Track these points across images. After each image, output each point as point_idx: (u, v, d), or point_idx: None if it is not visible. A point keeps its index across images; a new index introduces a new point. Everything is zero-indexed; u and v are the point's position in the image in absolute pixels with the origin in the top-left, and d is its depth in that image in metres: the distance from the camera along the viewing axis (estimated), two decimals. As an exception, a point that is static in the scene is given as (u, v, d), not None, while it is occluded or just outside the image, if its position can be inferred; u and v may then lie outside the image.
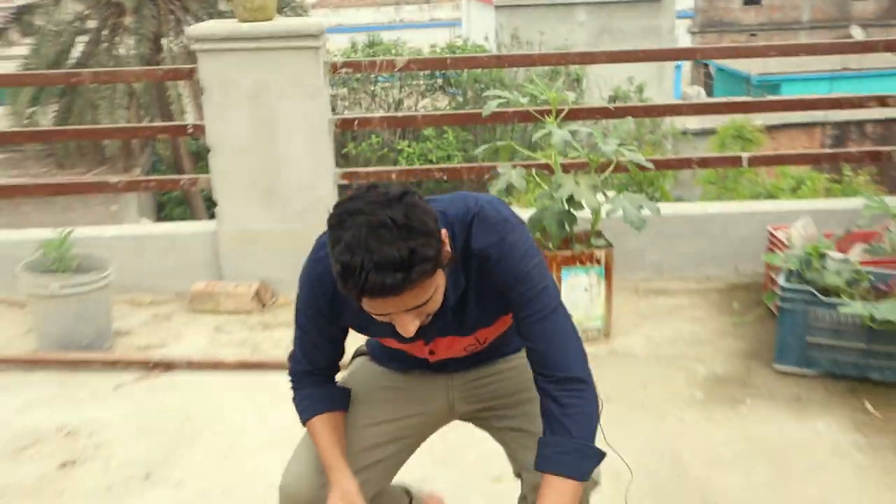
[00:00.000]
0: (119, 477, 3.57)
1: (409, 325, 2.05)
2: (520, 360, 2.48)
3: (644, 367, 4.36)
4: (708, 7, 32.58)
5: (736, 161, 5.28)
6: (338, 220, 1.95)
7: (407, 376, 2.58)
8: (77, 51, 17.70)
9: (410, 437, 2.58)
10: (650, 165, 4.71)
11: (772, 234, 4.81)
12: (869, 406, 3.92)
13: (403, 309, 2.03)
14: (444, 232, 2.04)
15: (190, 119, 15.40)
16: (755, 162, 5.26)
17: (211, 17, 16.97)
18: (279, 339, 4.69)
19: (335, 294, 2.17)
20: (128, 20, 17.20)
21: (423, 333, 2.24)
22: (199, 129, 5.15)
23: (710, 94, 28.37)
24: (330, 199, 5.11)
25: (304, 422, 2.44)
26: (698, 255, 5.07)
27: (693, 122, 20.14)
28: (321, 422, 2.40)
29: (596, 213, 4.34)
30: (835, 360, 4.11)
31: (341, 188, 5.22)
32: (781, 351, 4.20)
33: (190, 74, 5.07)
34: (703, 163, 5.29)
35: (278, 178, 5.08)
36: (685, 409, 3.94)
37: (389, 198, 1.95)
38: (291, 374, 2.52)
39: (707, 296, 5.00)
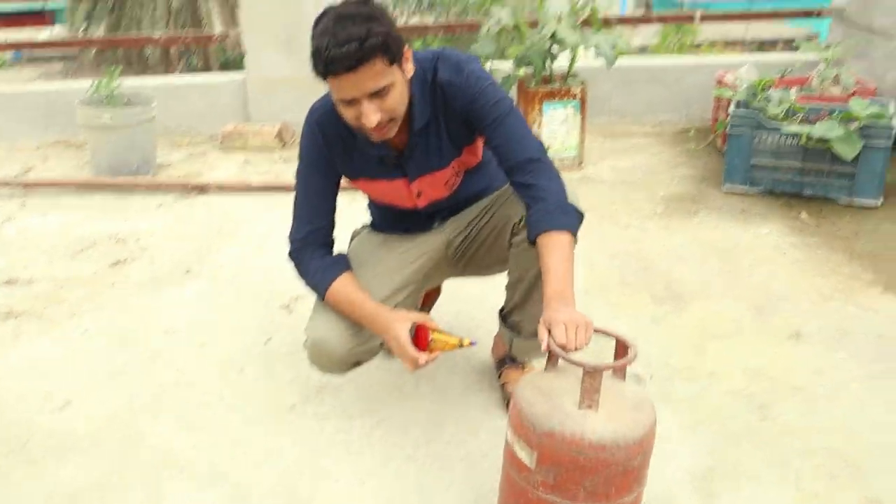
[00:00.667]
0: (163, 272, 3.36)
1: (371, 115, 1.91)
2: (490, 197, 2.36)
3: (612, 189, 4.12)
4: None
5: (689, 18, 4.93)
6: (318, 16, 1.91)
7: (405, 235, 2.40)
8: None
9: (419, 281, 2.38)
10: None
11: (719, 79, 4.50)
12: (804, 215, 3.72)
13: (364, 92, 1.89)
14: (407, 51, 1.97)
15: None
16: (706, 18, 4.91)
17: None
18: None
19: (328, 139, 2.16)
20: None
21: (406, 170, 2.20)
22: (223, 38, 4.77)
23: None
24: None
25: (324, 292, 2.18)
26: (655, 101, 4.78)
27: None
28: (342, 283, 2.18)
29: (574, 48, 4.01)
30: (775, 179, 3.89)
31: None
32: (729, 172, 3.96)
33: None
34: (662, 18, 4.92)
35: (298, 26, 4.67)
36: (647, 220, 3.75)
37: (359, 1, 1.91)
38: (292, 251, 2.27)
39: (663, 136, 4.74)
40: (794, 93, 4.10)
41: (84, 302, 3.12)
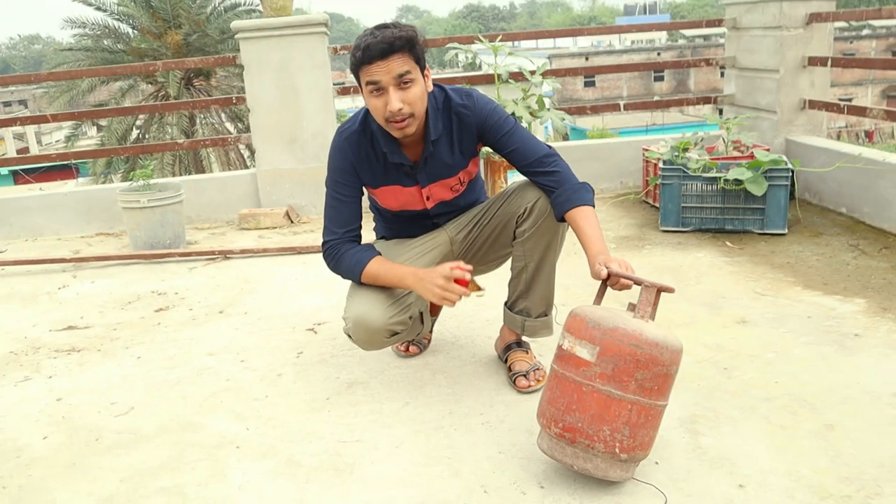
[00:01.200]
0: (200, 313, 3.26)
1: (395, 101, 1.97)
2: (486, 202, 2.40)
3: (570, 234, 4.12)
4: (563, 89, 33.54)
5: (616, 107, 5.09)
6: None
7: (415, 236, 2.41)
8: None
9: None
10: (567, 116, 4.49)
11: (645, 150, 4.63)
12: (728, 243, 3.77)
13: (391, 76, 1.96)
14: (427, 69, 2.08)
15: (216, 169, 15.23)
16: (629, 107, 5.08)
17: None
18: (305, 238, 4.38)
19: (356, 153, 2.18)
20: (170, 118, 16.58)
21: (419, 179, 2.23)
22: (241, 100, 4.82)
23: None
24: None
25: (361, 272, 2.17)
26: (595, 174, 4.85)
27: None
28: (377, 261, 2.19)
29: (529, 124, 4.10)
30: (701, 218, 3.95)
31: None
32: (664, 216, 4.02)
33: (233, 60, 4.74)
34: (595, 108, 5.06)
35: (299, 129, 4.77)
36: (603, 254, 3.74)
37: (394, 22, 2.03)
38: (328, 250, 2.25)
39: (605, 200, 4.81)
40: (706, 154, 4.23)
41: (135, 338, 3.01)
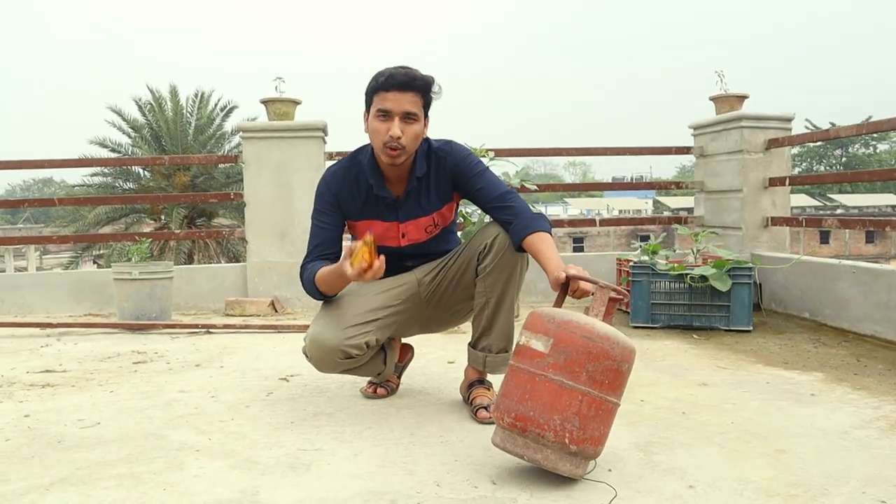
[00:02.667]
0: (177, 366, 3.27)
1: (396, 129, 2.17)
2: (455, 249, 2.49)
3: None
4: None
5: (592, 222, 5.32)
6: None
7: (385, 277, 2.48)
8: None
9: (396, 306, 2.42)
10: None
11: (618, 260, 4.79)
12: (695, 336, 3.85)
13: (401, 109, 2.16)
14: (427, 119, 2.28)
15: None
16: (603, 223, 5.31)
17: (220, 244, 17.34)
18: (289, 324, 4.42)
19: (341, 185, 2.34)
20: (172, 243, 17.02)
21: (398, 215, 2.37)
22: (238, 196, 5.04)
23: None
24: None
25: (312, 280, 2.30)
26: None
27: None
28: (322, 267, 2.30)
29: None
30: (670, 315, 4.04)
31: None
32: (634, 312, 4.12)
33: (235, 159, 5.00)
34: (572, 223, 5.27)
35: (291, 225, 4.95)
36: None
37: None
38: (302, 268, 2.37)
39: (579, 309, 4.90)
40: (676, 255, 4.40)
41: (110, 380, 3.00)
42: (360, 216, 2.38)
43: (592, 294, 1.94)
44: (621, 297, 1.96)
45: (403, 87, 2.15)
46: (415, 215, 2.38)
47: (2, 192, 72.41)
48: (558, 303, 2.01)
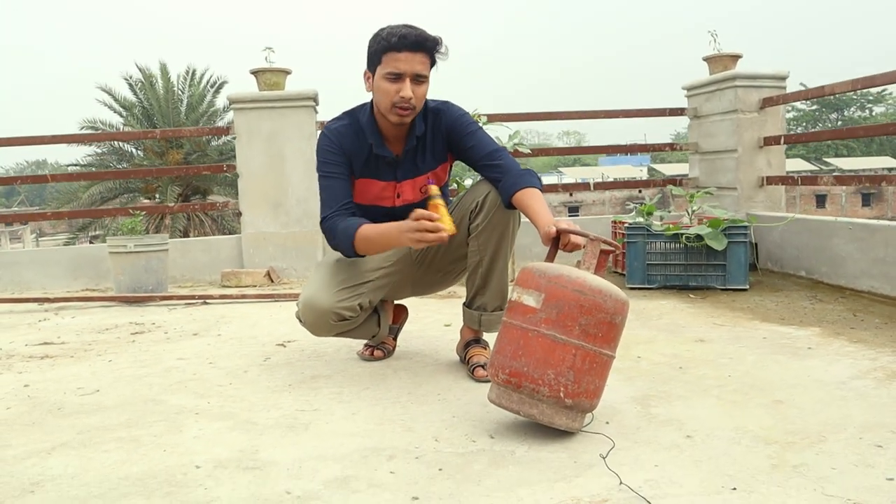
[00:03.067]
0: (174, 335, 3.27)
1: (408, 90, 2.15)
2: None
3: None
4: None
5: (587, 186, 5.30)
6: (381, 27, 2.21)
7: None
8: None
9: (387, 268, 2.42)
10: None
11: (613, 223, 4.78)
12: (692, 295, 3.85)
13: (413, 70, 2.15)
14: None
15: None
16: (598, 186, 5.29)
17: (216, 220, 17.29)
18: (285, 293, 4.41)
19: (349, 142, 2.29)
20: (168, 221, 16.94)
21: (396, 174, 2.35)
22: (231, 167, 5.01)
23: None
24: (318, 209, 4.95)
25: (353, 237, 2.19)
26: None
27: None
28: (366, 226, 2.20)
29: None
30: (666, 276, 4.04)
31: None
32: (630, 274, 4.11)
33: (227, 130, 4.96)
34: (566, 187, 5.26)
35: (284, 195, 4.92)
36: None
37: None
38: (325, 226, 2.29)
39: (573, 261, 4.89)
40: (671, 216, 4.38)
41: (108, 349, 3.00)
42: (360, 174, 2.35)
43: (584, 247, 1.93)
44: (613, 248, 1.95)
45: (415, 47, 2.13)
46: (412, 175, 2.37)
47: (-5, 175, 71.64)
48: (550, 258, 2.00)
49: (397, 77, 2.15)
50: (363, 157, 2.32)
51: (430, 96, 2.34)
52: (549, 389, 1.76)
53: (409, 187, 2.38)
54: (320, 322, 2.25)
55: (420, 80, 2.17)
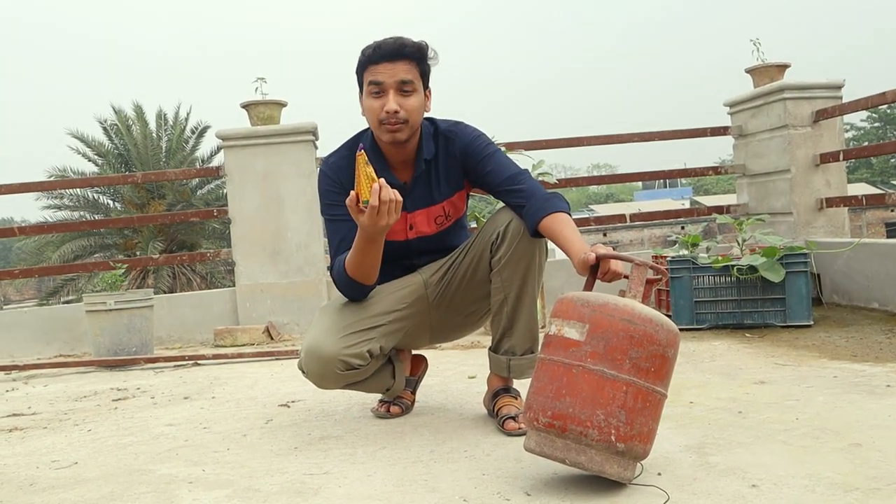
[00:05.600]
0: (162, 400, 3.28)
1: (393, 103, 2.19)
2: (463, 244, 2.48)
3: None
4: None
5: (622, 218, 5.33)
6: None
7: (388, 280, 2.48)
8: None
9: (401, 310, 2.42)
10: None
11: (654, 257, 4.78)
12: (747, 334, 3.83)
13: (395, 79, 2.19)
14: (429, 91, 2.33)
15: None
16: (635, 217, 5.32)
17: (204, 278, 17.48)
18: (288, 350, 4.43)
19: (346, 173, 2.28)
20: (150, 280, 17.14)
21: (406, 204, 2.34)
22: (222, 212, 5.08)
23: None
24: (321, 256, 5.02)
25: (342, 268, 2.26)
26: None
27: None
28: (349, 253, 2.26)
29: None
30: (717, 314, 4.03)
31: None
32: (676, 313, 4.10)
33: (217, 171, 5.05)
34: (599, 220, 5.28)
35: (283, 241, 4.99)
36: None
37: None
38: (332, 267, 2.36)
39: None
40: (719, 248, 4.39)
41: (88, 418, 3.02)
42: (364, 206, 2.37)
43: (626, 276, 1.94)
44: (660, 276, 1.96)
45: (393, 55, 2.18)
46: (424, 204, 2.39)
47: (-43, 238, 72.79)
48: (588, 288, 2.00)
49: (379, 90, 2.20)
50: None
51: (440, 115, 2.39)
52: (598, 433, 1.74)
53: (422, 218, 2.41)
54: (326, 371, 2.26)
55: (406, 89, 2.20)
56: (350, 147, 2.39)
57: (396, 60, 2.18)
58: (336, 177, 2.35)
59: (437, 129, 2.38)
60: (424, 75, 2.27)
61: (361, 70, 2.23)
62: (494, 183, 2.32)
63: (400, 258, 2.48)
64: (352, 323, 2.30)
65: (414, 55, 2.21)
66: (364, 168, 2.00)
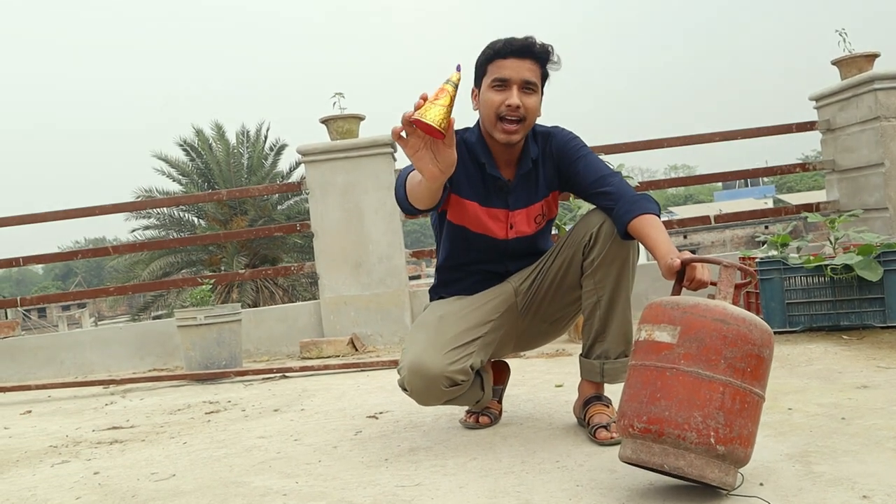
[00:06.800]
0: (253, 413, 3.34)
1: (515, 99, 2.18)
2: (550, 252, 2.45)
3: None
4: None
5: (706, 220, 5.21)
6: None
7: (476, 293, 2.47)
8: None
9: (495, 321, 2.41)
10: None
11: (742, 259, 4.65)
12: (844, 336, 3.69)
13: (521, 77, 2.18)
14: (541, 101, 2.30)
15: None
16: (719, 219, 5.19)
17: (287, 291, 17.80)
18: (373, 362, 4.46)
19: (459, 157, 2.15)
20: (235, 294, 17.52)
21: (508, 201, 2.35)
22: (304, 226, 5.16)
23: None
24: (403, 267, 5.05)
25: (403, 180, 2.19)
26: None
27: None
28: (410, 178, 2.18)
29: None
30: (811, 316, 3.89)
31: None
32: (768, 316, 3.98)
33: (298, 186, 5.14)
34: (682, 223, 5.17)
35: (364, 253, 5.03)
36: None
37: None
38: (399, 178, 2.27)
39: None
40: (809, 247, 4.24)
41: (182, 431, 3.09)
42: (468, 195, 2.34)
43: (713, 283, 1.90)
44: (750, 279, 1.90)
45: (522, 53, 2.18)
46: (525, 203, 2.38)
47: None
48: (674, 294, 1.96)
49: (503, 84, 2.19)
50: (473, 177, 2.33)
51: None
52: (697, 435, 1.69)
53: (522, 217, 2.39)
54: (431, 388, 2.24)
55: (529, 89, 2.20)
56: (459, 133, 2.32)
57: (524, 58, 2.18)
58: None
59: (535, 131, 2.38)
60: (544, 78, 2.27)
61: (486, 62, 2.22)
62: (585, 184, 2.30)
63: (497, 259, 2.45)
64: (452, 338, 2.28)
65: (541, 56, 2.21)
66: (450, 93, 1.77)
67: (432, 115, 1.74)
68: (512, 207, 2.36)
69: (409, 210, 2.27)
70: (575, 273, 2.34)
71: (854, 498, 1.71)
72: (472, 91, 2.30)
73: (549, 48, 2.22)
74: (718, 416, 1.70)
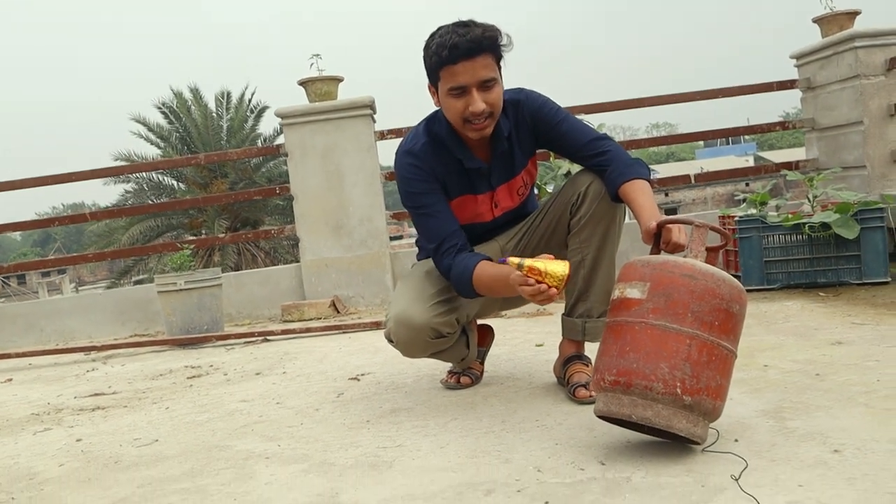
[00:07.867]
0: (235, 376, 3.35)
1: (478, 103, 2.10)
2: (538, 208, 2.47)
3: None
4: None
5: (686, 178, 5.22)
6: (431, 33, 2.14)
7: None
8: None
9: None
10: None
11: (721, 217, 4.68)
12: (821, 293, 3.74)
13: (476, 79, 2.09)
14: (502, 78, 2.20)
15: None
16: (700, 178, 5.21)
17: (268, 254, 17.76)
18: (355, 323, 4.48)
19: (434, 164, 2.27)
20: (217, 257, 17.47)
21: (490, 182, 2.34)
22: (284, 189, 5.14)
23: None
24: (383, 229, 5.05)
25: (469, 280, 2.18)
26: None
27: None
28: (483, 266, 2.17)
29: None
30: (788, 274, 3.94)
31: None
32: (746, 274, 4.02)
33: (277, 149, 5.10)
34: (662, 182, 5.19)
35: (345, 215, 5.02)
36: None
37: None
38: (446, 266, 2.26)
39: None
40: (789, 205, 4.27)
41: (164, 396, 3.10)
42: (454, 194, 2.35)
43: (688, 239, 1.92)
44: (723, 241, 1.92)
45: (470, 53, 2.05)
46: (506, 178, 2.37)
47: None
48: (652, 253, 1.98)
49: (461, 91, 2.11)
50: (454, 175, 2.31)
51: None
52: (663, 385, 1.72)
53: (504, 193, 2.40)
54: (416, 339, 2.27)
55: (487, 84, 2.11)
56: (426, 131, 2.31)
57: (474, 57, 2.06)
58: (426, 163, 2.27)
59: (504, 101, 2.28)
60: (500, 59, 2.17)
61: (437, 69, 2.12)
62: (574, 147, 2.29)
63: (484, 236, 2.48)
64: (438, 291, 2.30)
65: (489, 47, 2.09)
66: (539, 262, 1.94)
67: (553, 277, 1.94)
68: (494, 186, 2.36)
69: (471, 296, 2.26)
70: (562, 232, 2.36)
71: (826, 452, 1.74)
72: (430, 88, 2.22)
73: (496, 34, 2.10)
74: (685, 368, 1.73)
